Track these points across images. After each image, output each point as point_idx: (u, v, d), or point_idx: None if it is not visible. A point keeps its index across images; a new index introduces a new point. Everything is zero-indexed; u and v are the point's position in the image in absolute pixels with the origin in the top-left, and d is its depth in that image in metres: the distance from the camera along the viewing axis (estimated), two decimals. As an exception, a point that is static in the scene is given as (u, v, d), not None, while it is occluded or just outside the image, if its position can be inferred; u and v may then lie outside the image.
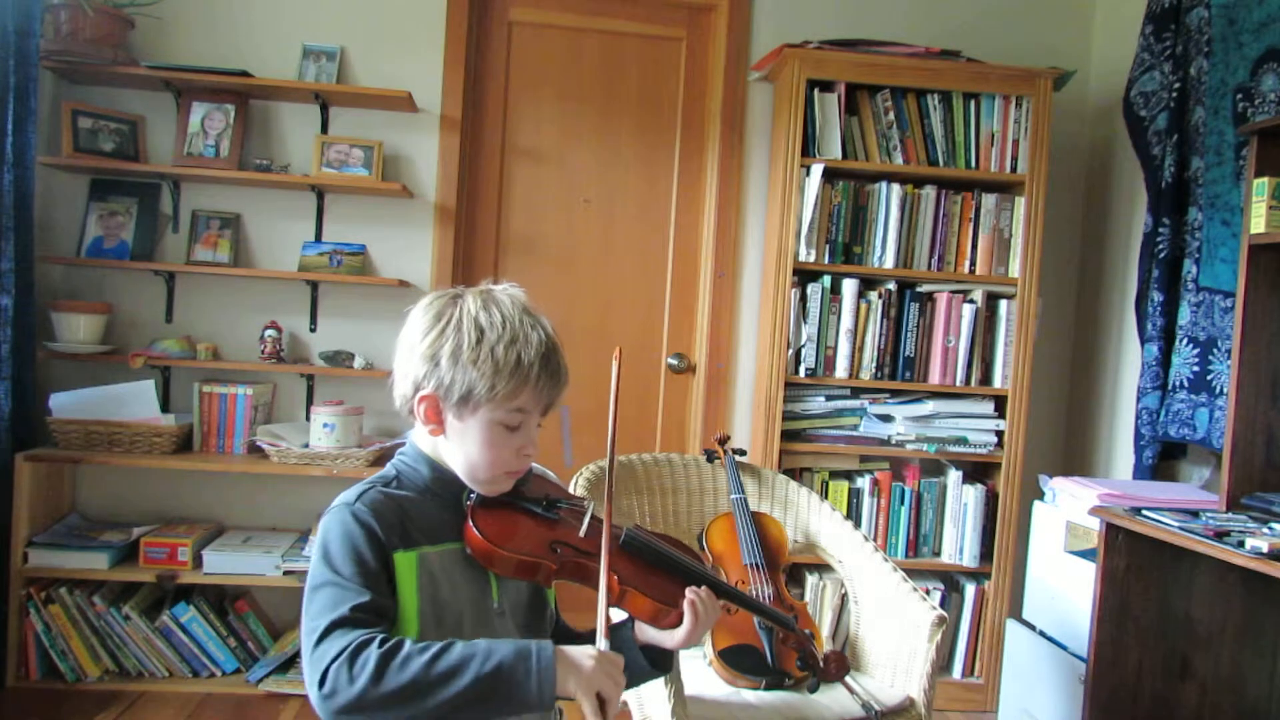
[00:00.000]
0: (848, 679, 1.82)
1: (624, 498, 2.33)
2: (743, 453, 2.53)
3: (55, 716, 2.56)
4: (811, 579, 2.93)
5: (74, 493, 2.99)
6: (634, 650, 1.30)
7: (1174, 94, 2.69)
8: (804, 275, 2.94)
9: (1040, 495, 2.72)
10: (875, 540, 2.64)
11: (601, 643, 1.14)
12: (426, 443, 1.27)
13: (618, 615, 1.30)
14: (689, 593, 1.26)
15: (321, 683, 1.04)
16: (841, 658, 1.64)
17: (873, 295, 2.95)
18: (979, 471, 3.09)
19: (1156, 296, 2.69)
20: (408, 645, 1.05)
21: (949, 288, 2.96)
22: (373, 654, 1.04)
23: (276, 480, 3.03)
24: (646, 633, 1.30)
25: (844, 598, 2.83)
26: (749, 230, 3.21)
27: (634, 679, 1.36)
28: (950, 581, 3.06)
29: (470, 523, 1.21)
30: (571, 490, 1.94)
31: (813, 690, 1.67)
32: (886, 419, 2.97)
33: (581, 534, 1.27)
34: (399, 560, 1.17)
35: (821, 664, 1.65)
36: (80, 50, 2.74)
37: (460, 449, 1.23)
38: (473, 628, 1.22)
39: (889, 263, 2.93)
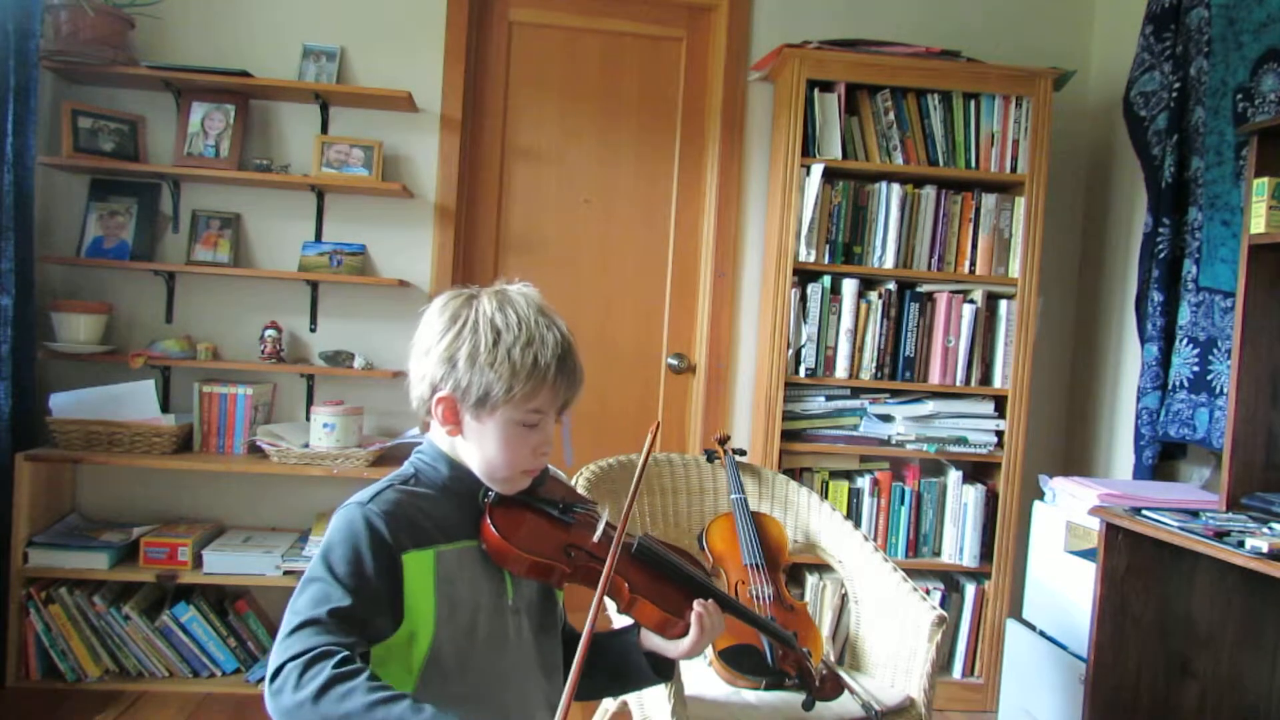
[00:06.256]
0: (848, 679, 1.82)
1: (624, 497, 2.32)
2: (743, 453, 2.53)
3: (55, 716, 2.56)
4: (811, 579, 2.93)
5: (74, 493, 2.99)
6: (638, 655, 1.31)
7: (1174, 94, 2.69)
8: (804, 275, 2.94)
9: (1040, 495, 2.71)
10: (875, 540, 2.63)
11: None
12: (444, 442, 1.27)
13: (622, 622, 1.30)
14: (695, 605, 1.27)
15: (275, 676, 1.03)
16: (837, 679, 1.66)
17: (873, 295, 2.95)
18: (979, 471, 3.09)
19: (1156, 296, 2.69)
20: (362, 678, 1.01)
21: (949, 288, 2.96)
22: (325, 670, 1.01)
23: (276, 480, 3.03)
24: (651, 640, 1.30)
25: (844, 598, 2.83)
26: (749, 230, 3.21)
27: (636, 684, 1.37)
28: (950, 581, 3.06)
29: (487, 520, 1.21)
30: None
31: (808, 708, 1.68)
32: (886, 419, 2.97)
33: (595, 539, 1.27)
34: (412, 560, 1.16)
35: (817, 684, 1.67)
36: (80, 50, 2.73)
37: (478, 449, 1.23)
38: (488, 624, 1.22)
39: (889, 263, 2.93)
